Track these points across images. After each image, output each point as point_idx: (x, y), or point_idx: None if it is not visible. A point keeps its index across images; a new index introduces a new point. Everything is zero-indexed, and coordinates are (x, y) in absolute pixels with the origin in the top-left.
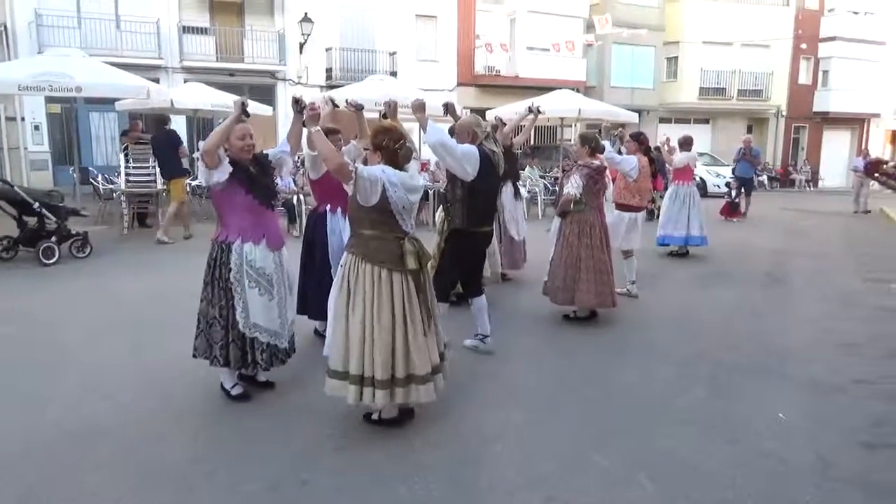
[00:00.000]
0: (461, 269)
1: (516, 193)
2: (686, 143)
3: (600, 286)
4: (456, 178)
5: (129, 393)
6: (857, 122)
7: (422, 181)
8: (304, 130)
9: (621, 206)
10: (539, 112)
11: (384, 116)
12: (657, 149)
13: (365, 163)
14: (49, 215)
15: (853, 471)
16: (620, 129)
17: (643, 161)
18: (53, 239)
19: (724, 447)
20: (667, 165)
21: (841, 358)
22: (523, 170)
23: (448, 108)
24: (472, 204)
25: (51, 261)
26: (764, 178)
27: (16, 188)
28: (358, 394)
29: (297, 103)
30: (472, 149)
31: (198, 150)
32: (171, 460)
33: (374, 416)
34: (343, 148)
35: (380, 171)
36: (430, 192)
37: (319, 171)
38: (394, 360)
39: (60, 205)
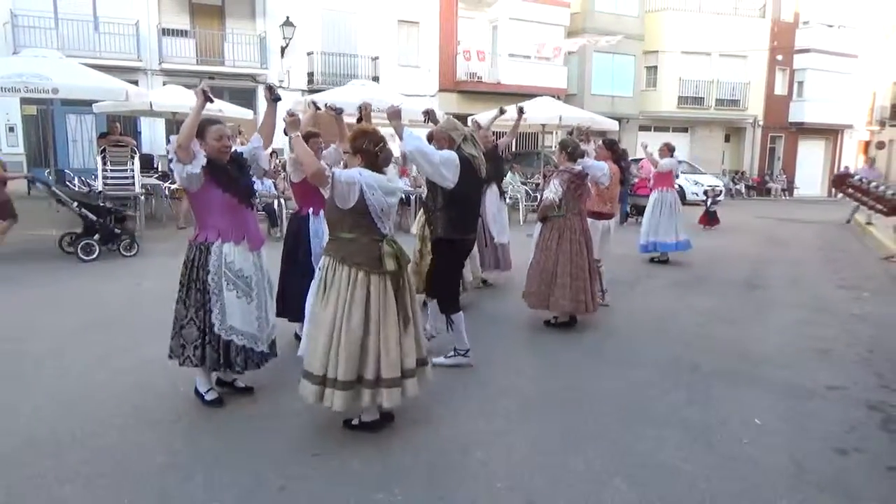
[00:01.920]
0: (452, 277)
1: (501, 195)
2: (672, 149)
3: (577, 292)
4: (436, 185)
5: (100, 400)
6: (831, 133)
7: (400, 184)
8: (281, 122)
9: (593, 214)
10: (522, 112)
11: (359, 120)
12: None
13: (345, 167)
14: (90, 214)
15: (826, 475)
16: (588, 127)
17: (614, 169)
18: (96, 237)
19: (700, 451)
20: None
21: (816, 364)
22: (505, 175)
23: (429, 115)
24: (454, 211)
25: (90, 257)
26: (741, 186)
27: (53, 188)
28: (318, 395)
29: (271, 91)
30: (451, 154)
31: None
32: (146, 468)
33: (355, 422)
34: (323, 152)
35: (357, 173)
36: (412, 198)
37: (301, 173)
38: (366, 361)
39: (101, 205)
